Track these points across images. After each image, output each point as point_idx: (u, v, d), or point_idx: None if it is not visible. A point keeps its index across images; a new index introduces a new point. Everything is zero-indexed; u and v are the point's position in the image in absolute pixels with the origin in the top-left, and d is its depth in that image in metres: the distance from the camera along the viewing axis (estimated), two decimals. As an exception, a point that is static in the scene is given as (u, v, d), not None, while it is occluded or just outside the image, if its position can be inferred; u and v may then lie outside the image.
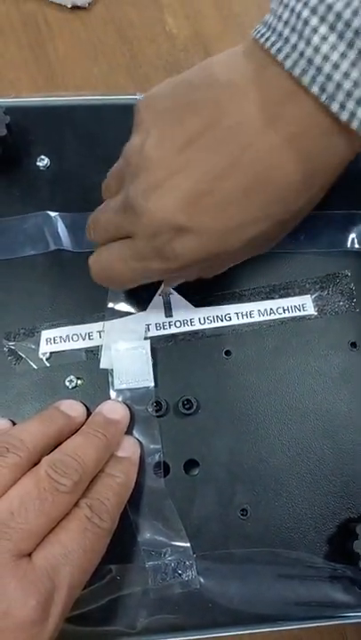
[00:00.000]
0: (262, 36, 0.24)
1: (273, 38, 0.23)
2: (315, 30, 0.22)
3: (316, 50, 0.22)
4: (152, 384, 0.33)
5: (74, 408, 0.32)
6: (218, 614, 0.30)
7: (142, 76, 0.51)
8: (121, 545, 0.30)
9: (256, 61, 0.24)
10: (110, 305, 0.34)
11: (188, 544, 0.31)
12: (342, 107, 0.22)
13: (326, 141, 0.24)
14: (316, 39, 0.22)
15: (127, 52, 0.51)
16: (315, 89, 0.22)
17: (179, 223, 0.25)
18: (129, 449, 0.31)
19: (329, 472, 0.33)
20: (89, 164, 0.37)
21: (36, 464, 0.27)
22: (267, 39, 0.24)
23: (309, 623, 0.31)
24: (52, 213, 0.36)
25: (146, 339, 0.34)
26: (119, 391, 0.33)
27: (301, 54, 0.22)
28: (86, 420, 0.32)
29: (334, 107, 0.22)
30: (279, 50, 0.23)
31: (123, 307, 0.34)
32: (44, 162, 0.37)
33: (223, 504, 0.32)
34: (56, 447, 0.29)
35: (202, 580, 0.30)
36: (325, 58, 0.22)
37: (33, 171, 0.37)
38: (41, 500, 0.25)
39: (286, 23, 0.23)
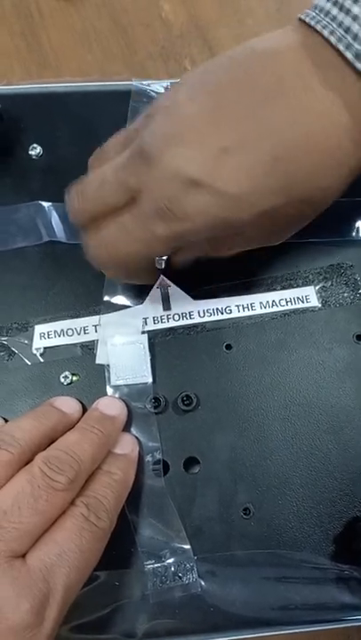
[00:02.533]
0: (306, 15, 0.25)
1: (313, 14, 0.24)
2: (356, 1, 0.22)
3: (355, 19, 0.22)
4: (150, 380, 0.32)
5: (69, 405, 0.31)
6: (220, 618, 0.29)
7: (138, 63, 0.49)
8: (119, 548, 0.29)
9: (298, 35, 0.25)
10: (106, 298, 0.33)
11: (189, 546, 0.29)
12: None
13: None
14: (356, 9, 0.22)
15: (122, 39, 0.50)
16: (349, 55, 0.22)
17: (194, 176, 0.24)
18: (127, 446, 0.30)
19: (334, 469, 0.31)
20: (83, 153, 0.35)
21: (29, 462, 0.26)
22: (308, 15, 0.24)
23: (315, 627, 0.29)
24: (45, 204, 0.34)
25: (143, 333, 0.33)
26: (116, 387, 0.32)
27: (340, 24, 0.23)
28: (82, 416, 0.30)
29: None
30: (318, 21, 0.24)
31: (119, 300, 0.33)
32: (36, 150, 0.36)
33: (225, 503, 0.31)
34: (50, 445, 0.28)
35: (203, 583, 0.29)
36: None
37: (25, 159, 0.36)
38: (35, 498, 0.24)
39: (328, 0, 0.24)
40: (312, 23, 0.24)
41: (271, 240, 0.29)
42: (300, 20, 0.25)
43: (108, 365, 0.32)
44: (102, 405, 0.31)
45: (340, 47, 0.23)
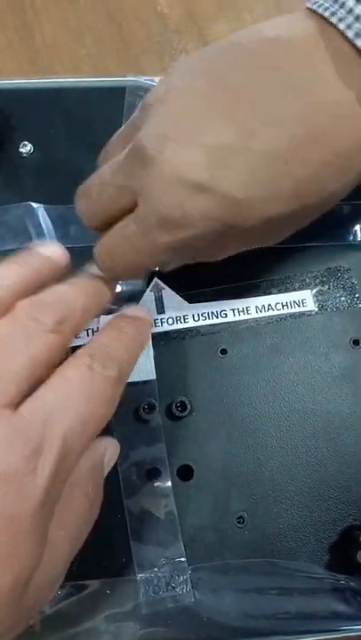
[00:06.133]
0: (313, 2, 0.23)
1: (321, 1, 0.23)
2: None
3: None
4: (153, 377, 0.31)
5: (52, 249, 0.26)
6: (213, 628, 0.29)
7: (133, 58, 0.49)
8: (110, 557, 0.29)
9: (309, 23, 0.23)
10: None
11: (184, 557, 0.29)
12: None
13: None
14: None
15: (116, 33, 0.49)
16: (360, 44, 0.21)
17: (197, 180, 0.22)
18: (140, 312, 0.27)
19: (330, 476, 0.31)
20: (76, 152, 0.35)
21: None
22: (315, 2, 0.23)
23: (310, 637, 0.29)
24: (36, 205, 0.33)
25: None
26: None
27: (350, 11, 0.22)
28: (73, 273, 0.27)
29: None
30: (326, 8, 0.23)
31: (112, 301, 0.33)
32: (27, 148, 0.35)
33: (219, 511, 0.30)
34: None
35: (196, 592, 0.29)
36: None
37: (15, 157, 0.35)
38: (22, 338, 0.21)
39: None
40: (320, 10, 0.23)
41: (268, 242, 0.28)
42: (308, 9, 0.24)
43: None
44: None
45: (350, 34, 0.21)
